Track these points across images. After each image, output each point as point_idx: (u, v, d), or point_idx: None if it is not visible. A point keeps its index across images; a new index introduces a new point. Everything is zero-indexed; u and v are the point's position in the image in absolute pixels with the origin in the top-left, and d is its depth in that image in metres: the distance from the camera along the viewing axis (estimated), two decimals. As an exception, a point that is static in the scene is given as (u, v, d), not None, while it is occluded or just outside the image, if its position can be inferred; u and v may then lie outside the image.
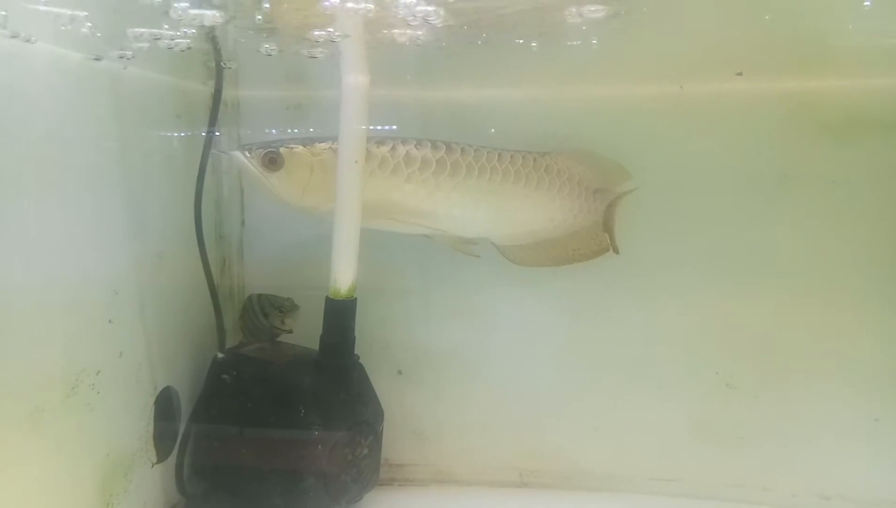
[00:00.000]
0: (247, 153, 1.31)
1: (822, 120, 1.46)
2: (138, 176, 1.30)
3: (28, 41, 0.98)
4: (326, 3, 1.07)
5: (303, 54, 1.32)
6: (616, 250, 1.48)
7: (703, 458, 1.57)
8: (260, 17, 1.14)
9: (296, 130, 1.61)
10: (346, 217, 1.29)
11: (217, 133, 1.55)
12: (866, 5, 1.09)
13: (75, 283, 1.08)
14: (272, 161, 1.30)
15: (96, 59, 1.16)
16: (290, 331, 1.50)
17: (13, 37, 0.94)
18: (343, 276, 1.32)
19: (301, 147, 1.32)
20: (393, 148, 1.33)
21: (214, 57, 1.34)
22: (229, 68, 1.43)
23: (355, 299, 1.35)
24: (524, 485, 1.63)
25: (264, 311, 1.48)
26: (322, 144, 1.32)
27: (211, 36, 1.29)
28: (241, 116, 1.64)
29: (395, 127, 1.49)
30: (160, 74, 1.37)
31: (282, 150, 1.31)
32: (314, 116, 1.60)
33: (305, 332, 1.44)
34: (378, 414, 1.45)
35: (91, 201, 1.14)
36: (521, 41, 1.31)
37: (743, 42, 1.34)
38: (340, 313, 1.35)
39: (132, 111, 1.27)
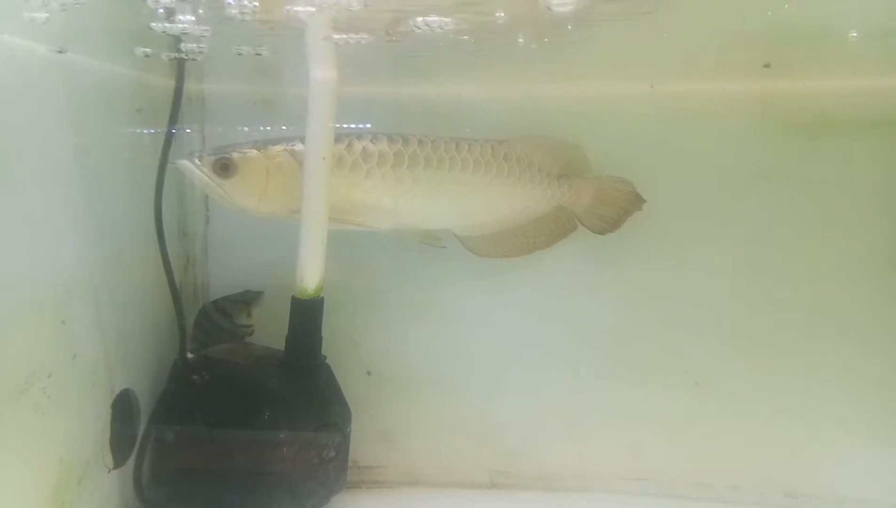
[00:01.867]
0: (196, 161, 1.25)
1: (792, 120, 1.47)
2: (96, 171, 1.25)
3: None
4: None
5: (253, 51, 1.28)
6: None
7: (671, 457, 1.57)
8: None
9: (268, 128, 1.56)
10: (312, 214, 1.27)
11: (188, 130, 1.53)
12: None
13: (24, 281, 1.04)
14: (224, 168, 1.24)
15: (59, 52, 1.12)
16: (252, 330, 1.47)
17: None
18: (310, 275, 1.30)
19: (255, 151, 1.27)
20: (349, 145, 1.30)
21: (175, 49, 1.30)
22: (194, 60, 1.39)
23: (322, 298, 1.32)
24: (494, 486, 1.62)
25: (226, 313, 1.45)
26: (277, 147, 1.28)
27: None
28: (206, 112, 1.60)
29: (368, 125, 1.47)
30: (120, 66, 1.33)
31: (234, 155, 1.25)
32: (282, 111, 1.57)
33: (272, 331, 1.41)
34: (346, 416, 1.43)
35: (43, 195, 1.10)
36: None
37: (715, 41, 1.34)
38: (307, 313, 1.32)
39: (90, 104, 1.23)
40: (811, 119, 1.46)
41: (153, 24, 1.11)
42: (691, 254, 1.53)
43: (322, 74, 1.24)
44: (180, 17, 1.05)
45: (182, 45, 1.22)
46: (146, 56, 1.29)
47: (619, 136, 1.50)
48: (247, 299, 1.49)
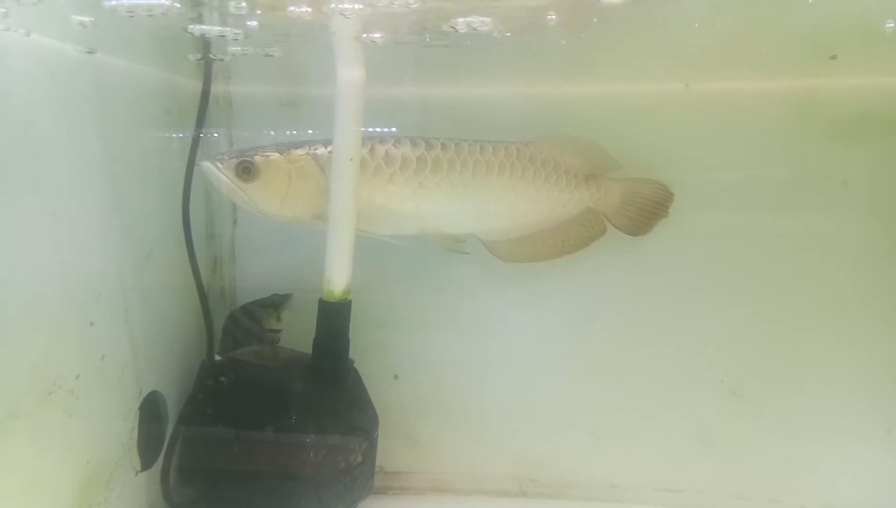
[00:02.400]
0: (218, 164, 1.25)
1: (831, 118, 1.42)
2: (124, 172, 1.25)
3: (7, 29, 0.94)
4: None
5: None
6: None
7: (708, 468, 1.53)
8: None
9: (294, 132, 1.56)
10: (340, 216, 1.25)
11: (216, 134, 1.53)
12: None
13: (52, 283, 1.03)
14: (246, 171, 1.24)
15: (89, 53, 1.12)
16: (279, 337, 1.47)
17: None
18: (337, 277, 1.28)
19: (277, 154, 1.26)
20: (371, 149, 1.28)
21: (202, 49, 1.30)
22: (221, 61, 1.39)
23: (350, 301, 1.31)
24: (523, 495, 1.60)
25: (255, 317, 1.44)
26: (299, 151, 1.27)
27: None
28: (234, 113, 1.59)
29: (394, 129, 1.45)
30: (148, 66, 1.33)
31: (256, 158, 1.25)
32: (308, 113, 1.56)
33: (299, 335, 1.40)
34: (373, 420, 1.41)
35: (71, 196, 1.10)
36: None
37: (751, 38, 1.30)
38: (334, 316, 1.31)
39: (117, 104, 1.23)
40: (853, 118, 1.41)
41: (191, 27, 1.11)
42: (727, 259, 1.48)
43: (349, 73, 1.22)
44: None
45: (229, 49, 1.23)
46: (197, 60, 1.29)
47: (651, 136, 1.46)
48: (275, 303, 1.49)
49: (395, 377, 1.61)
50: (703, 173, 1.46)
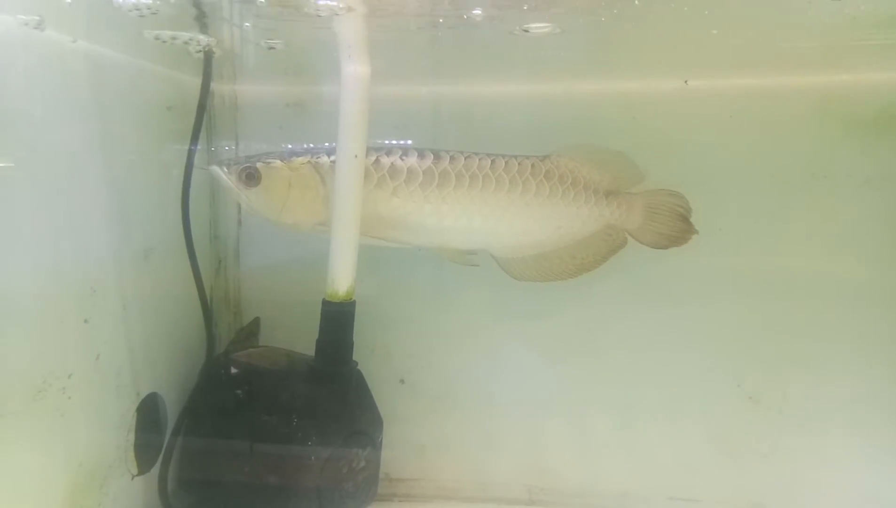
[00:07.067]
0: (224, 169, 1.26)
1: (851, 115, 1.39)
2: (124, 169, 1.24)
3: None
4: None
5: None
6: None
7: (723, 476, 1.49)
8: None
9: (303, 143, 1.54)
10: (344, 215, 1.23)
11: (228, 148, 1.54)
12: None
13: (44, 277, 1.01)
14: (249, 177, 1.25)
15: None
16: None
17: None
18: (341, 277, 1.26)
19: (279, 162, 1.27)
20: (377, 160, 1.26)
21: (202, 41, 1.28)
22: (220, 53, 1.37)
23: (354, 302, 1.28)
24: (533, 503, 1.56)
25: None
26: (300, 159, 1.27)
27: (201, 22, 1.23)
28: (239, 113, 1.58)
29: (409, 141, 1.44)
30: (150, 62, 1.32)
31: (259, 165, 1.26)
32: (315, 112, 1.55)
33: (302, 336, 1.36)
34: (377, 425, 1.39)
35: (67, 189, 1.08)
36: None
37: (758, 32, 1.26)
38: (338, 317, 1.28)
39: (118, 99, 1.22)
40: (874, 114, 1.38)
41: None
42: (744, 262, 1.46)
43: (355, 68, 1.20)
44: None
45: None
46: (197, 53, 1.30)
47: (658, 133, 1.44)
48: (251, 333, 1.50)
49: (402, 381, 1.58)
50: (719, 174, 1.43)
